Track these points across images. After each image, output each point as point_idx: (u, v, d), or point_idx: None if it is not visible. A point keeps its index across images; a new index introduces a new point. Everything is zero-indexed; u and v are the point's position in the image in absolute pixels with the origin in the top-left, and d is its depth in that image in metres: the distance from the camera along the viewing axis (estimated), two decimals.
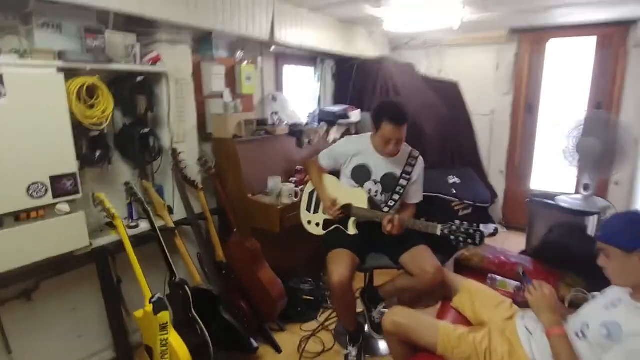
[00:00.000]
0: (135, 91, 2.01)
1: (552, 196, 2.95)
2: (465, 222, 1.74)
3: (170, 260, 1.97)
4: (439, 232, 1.78)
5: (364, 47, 3.76)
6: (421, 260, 1.88)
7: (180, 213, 2.29)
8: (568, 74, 3.67)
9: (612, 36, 3.36)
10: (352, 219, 2.04)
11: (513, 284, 1.99)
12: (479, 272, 2.17)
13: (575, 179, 3.75)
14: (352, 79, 3.64)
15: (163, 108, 2.19)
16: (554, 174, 3.89)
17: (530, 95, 3.83)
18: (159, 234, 1.97)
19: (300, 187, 2.63)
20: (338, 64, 3.75)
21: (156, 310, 1.74)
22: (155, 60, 2.07)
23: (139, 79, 2.01)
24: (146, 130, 2.08)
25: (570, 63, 3.64)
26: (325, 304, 2.65)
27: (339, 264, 1.86)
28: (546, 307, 1.41)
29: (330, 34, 3.28)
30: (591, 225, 2.76)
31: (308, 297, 2.56)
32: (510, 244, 3.74)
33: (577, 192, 3.76)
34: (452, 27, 3.07)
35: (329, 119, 3.23)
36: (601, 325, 1.25)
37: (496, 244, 3.84)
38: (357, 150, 2.07)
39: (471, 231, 1.71)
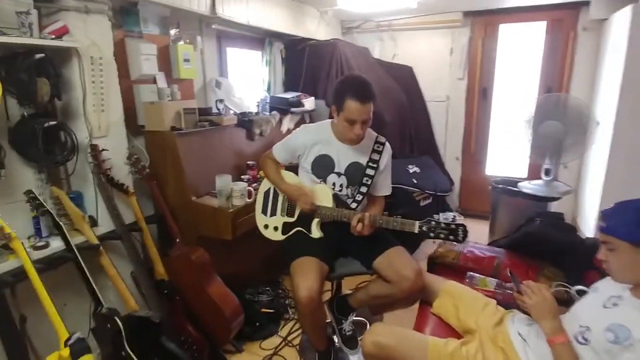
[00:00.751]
0: (33, 73, 1.55)
1: (513, 182, 2.90)
2: (445, 216, 1.54)
3: (94, 286, 1.57)
4: (417, 230, 1.57)
5: (315, 29, 3.47)
6: (399, 264, 1.66)
7: (106, 225, 1.87)
8: (520, 59, 3.65)
9: (562, 19, 3.37)
10: (316, 220, 1.78)
11: (493, 281, 1.84)
12: (455, 270, 2.01)
13: (528, 163, 3.80)
14: (304, 63, 3.33)
15: (76, 94, 1.74)
16: (508, 159, 3.91)
17: (484, 80, 3.79)
18: (77, 253, 1.56)
19: (254, 185, 2.31)
20: (288, 46, 3.42)
21: (75, 355, 1.35)
22: (60, 33, 1.62)
23: (38, 56, 1.55)
24: (52, 122, 1.63)
25: (522, 47, 3.63)
26: (286, 314, 2.37)
27: (306, 275, 1.58)
28: (547, 313, 1.25)
29: (279, 12, 2.94)
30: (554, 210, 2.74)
31: (267, 310, 2.26)
32: (470, 232, 3.69)
33: (530, 177, 3.83)
34: (410, 5, 2.88)
35: (281, 107, 2.91)
36: (606, 329, 1.11)
37: None
38: (317, 139, 1.80)
39: (453, 227, 1.52)
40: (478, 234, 3.63)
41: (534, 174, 3.80)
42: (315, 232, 1.78)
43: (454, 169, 4.11)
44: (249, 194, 2.08)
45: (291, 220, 1.86)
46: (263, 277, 2.59)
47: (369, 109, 1.65)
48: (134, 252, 1.83)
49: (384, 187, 1.89)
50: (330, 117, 1.79)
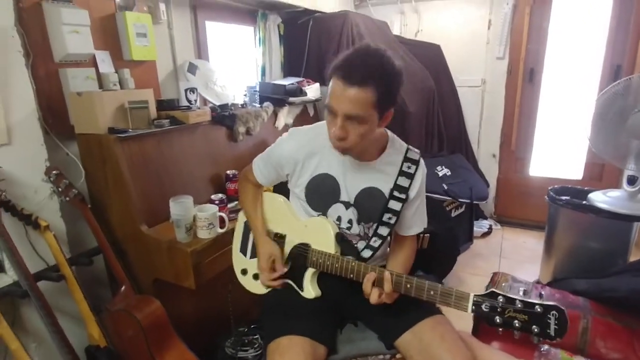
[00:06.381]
0: None
1: (579, 192, 2.22)
2: (521, 288, 0.92)
3: None
4: (470, 310, 0.94)
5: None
6: (438, 350, 1.03)
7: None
8: (579, 32, 2.91)
9: None
10: (310, 271, 1.18)
11: None
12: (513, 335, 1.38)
13: (584, 163, 3.09)
14: (307, 41, 2.69)
15: None
16: (559, 157, 3.21)
17: (531, 59, 3.06)
18: None
19: (233, 205, 1.71)
20: (287, 21, 2.78)
21: None
22: None
23: None
24: None
25: (583, 17, 2.89)
26: None
27: None
28: None
29: None
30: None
31: None
32: (510, 245, 3.05)
33: (585, 178, 3.12)
34: None
35: (276, 97, 2.28)
36: None
37: (492, 246, 3.17)
38: (313, 149, 1.17)
39: (538, 311, 0.87)
40: (522, 249, 2.98)
41: (591, 175, 3.11)
42: (309, 290, 1.18)
43: (490, 168, 3.42)
44: (221, 222, 1.48)
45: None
46: (252, 314, 2.02)
47: (358, 100, 0.94)
48: (45, 312, 1.25)
49: (417, 222, 1.24)
50: None
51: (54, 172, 1.37)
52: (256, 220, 1.28)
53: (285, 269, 1.20)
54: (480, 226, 3.25)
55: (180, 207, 1.37)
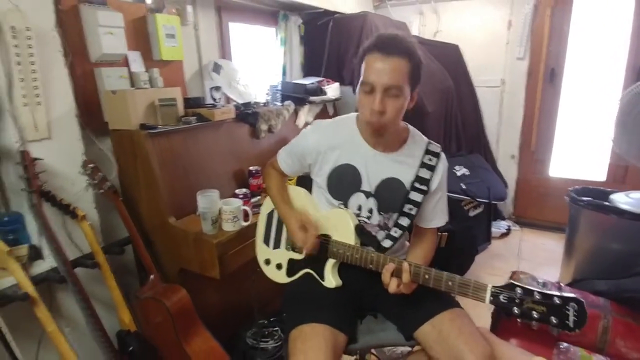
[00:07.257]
0: None
1: (600, 193, 2.19)
2: (539, 281, 0.93)
3: (17, 354, 1.09)
4: (488, 300, 0.96)
5: (340, 1, 2.85)
6: (457, 341, 1.05)
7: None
8: (601, 33, 2.88)
9: None
10: (331, 262, 1.22)
11: None
12: (534, 332, 1.39)
13: (608, 164, 3.04)
14: (326, 41, 2.73)
15: None
16: (581, 158, 3.17)
17: (552, 59, 3.03)
18: None
19: (256, 199, 1.76)
20: (307, 22, 2.83)
21: None
22: None
23: None
24: None
25: (604, 19, 2.85)
26: None
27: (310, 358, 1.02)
28: None
29: None
30: None
31: None
32: (528, 246, 3.02)
33: (609, 180, 3.07)
34: None
35: (296, 96, 2.34)
36: None
37: (510, 247, 3.15)
38: (335, 141, 1.21)
39: (557, 302, 0.89)
40: (541, 251, 2.95)
41: (615, 176, 3.06)
42: (330, 279, 1.21)
43: (508, 169, 3.39)
44: (245, 216, 1.54)
45: (299, 257, 1.30)
46: (274, 305, 2.06)
47: (398, 69, 1.02)
48: (81, 297, 1.33)
49: (438, 215, 1.27)
50: (356, 110, 1.20)
51: (90, 165, 1.45)
52: (282, 200, 1.30)
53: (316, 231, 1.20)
54: (499, 227, 3.23)
55: (207, 200, 1.43)
